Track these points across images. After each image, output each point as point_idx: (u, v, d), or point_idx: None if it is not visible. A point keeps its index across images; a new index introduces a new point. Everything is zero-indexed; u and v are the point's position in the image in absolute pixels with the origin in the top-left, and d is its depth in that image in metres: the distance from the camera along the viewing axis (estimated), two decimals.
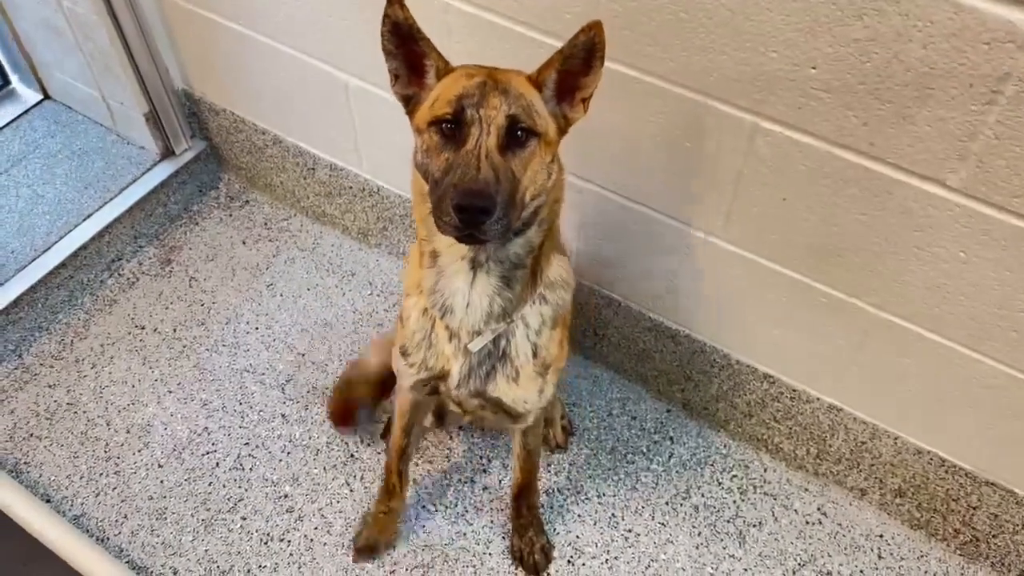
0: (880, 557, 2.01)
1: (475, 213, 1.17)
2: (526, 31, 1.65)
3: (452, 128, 1.25)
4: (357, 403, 2.12)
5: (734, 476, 2.14)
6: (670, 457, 2.17)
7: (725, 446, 2.18)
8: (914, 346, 1.67)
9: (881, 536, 2.04)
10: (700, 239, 1.79)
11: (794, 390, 1.95)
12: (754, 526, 2.06)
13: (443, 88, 1.29)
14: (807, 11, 1.33)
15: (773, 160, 1.55)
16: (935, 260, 1.52)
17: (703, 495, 2.11)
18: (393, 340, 1.95)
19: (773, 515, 2.07)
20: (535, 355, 1.50)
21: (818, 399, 1.93)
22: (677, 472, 2.14)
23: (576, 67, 1.28)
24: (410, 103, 1.36)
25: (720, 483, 2.12)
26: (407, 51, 1.32)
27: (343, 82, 2.07)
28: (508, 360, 1.50)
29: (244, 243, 2.59)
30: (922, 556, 2.01)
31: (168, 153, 2.58)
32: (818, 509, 2.08)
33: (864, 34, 1.31)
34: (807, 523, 2.06)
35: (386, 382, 2.03)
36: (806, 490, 2.11)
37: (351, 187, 2.39)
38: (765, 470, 2.14)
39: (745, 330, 1.92)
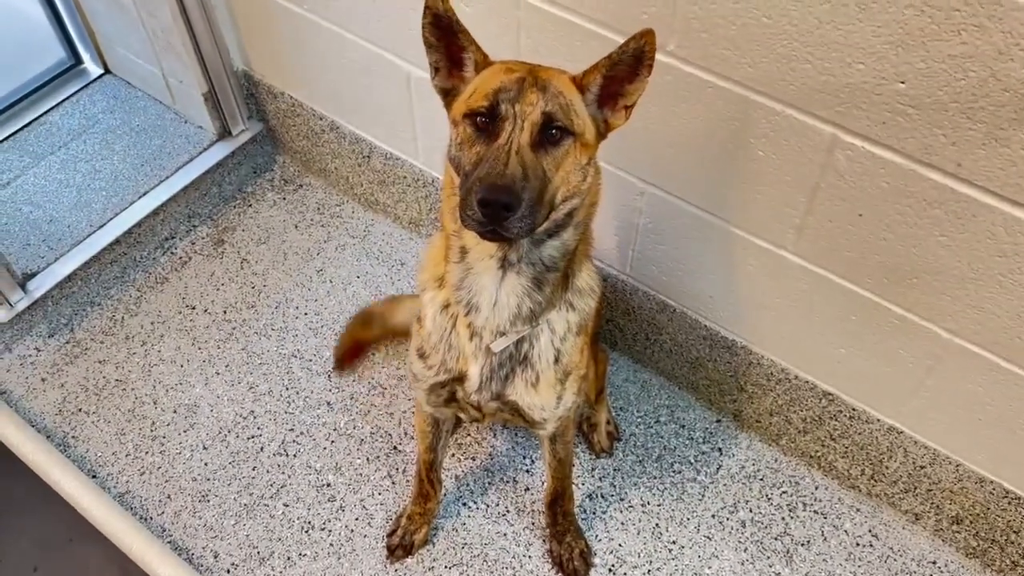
0: None
1: (498, 208, 1.15)
2: (598, 28, 1.60)
3: (486, 122, 1.23)
4: (367, 344, 2.22)
5: (784, 492, 2.08)
6: (718, 469, 2.12)
7: (776, 461, 2.13)
8: (988, 375, 1.60)
9: (934, 563, 1.98)
10: (767, 251, 1.73)
11: (854, 409, 1.89)
12: (802, 545, 2.00)
13: (481, 81, 1.27)
14: (900, 24, 1.26)
15: (852, 175, 1.49)
16: (1018, 288, 1.45)
17: (751, 510, 2.06)
18: (406, 299, 2.01)
19: (822, 534, 2.02)
20: (557, 361, 1.47)
21: (878, 420, 1.86)
22: (725, 485, 2.10)
23: (623, 73, 1.25)
24: (448, 95, 1.34)
25: (769, 499, 2.07)
26: (448, 44, 1.30)
27: (405, 72, 2.04)
28: (529, 364, 1.47)
29: (296, 227, 2.58)
30: None
31: (225, 134, 2.58)
32: (869, 531, 2.02)
33: (961, 50, 1.24)
34: (857, 544, 2.00)
35: (395, 330, 2.18)
36: (858, 511, 2.05)
37: (405, 177, 2.37)
38: (816, 488, 2.09)
39: (807, 346, 1.87)
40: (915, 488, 1.93)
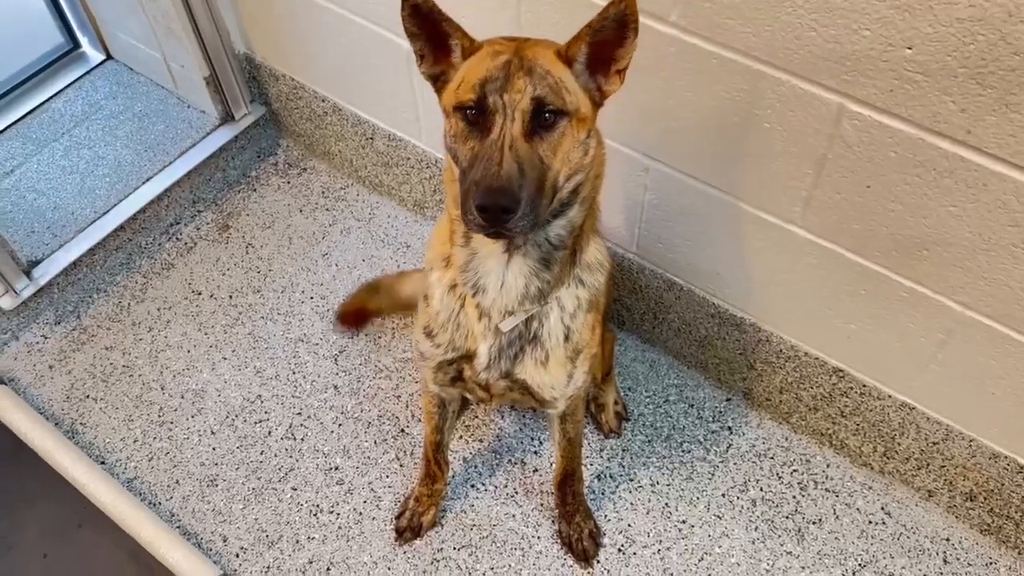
0: (946, 562, 1.93)
1: (498, 212, 1.13)
2: (600, 1, 1.57)
3: (477, 115, 1.20)
4: (371, 312, 2.24)
5: (795, 471, 2.06)
6: (728, 448, 2.10)
7: (787, 439, 2.11)
8: (1001, 348, 1.57)
9: (948, 540, 1.95)
10: (775, 225, 1.70)
11: (864, 385, 1.86)
12: (814, 523, 1.99)
13: (468, 69, 1.23)
14: None
15: (860, 145, 1.46)
16: None
17: (761, 489, 2.04)
18: (415, 274, 2.01)
19: (834, 512, 2.00)
20: (567, 339, 1.45)
21: (890, 396, 1.84)
22: (735, 464, 2.08)
23: (610, 38, 1.20)
24: (438, 81, 1.30)
25: (780, 477, 2.05)
26: (431, 30, 1.26)
27: (405, 51, 2.01)
28: (539, 343, 1.45)
29: (301, 211, 2.56)
30: (991, 563, 1.92)
31: (228, 118, 2.56)
32: (882, 508, 2.00)
33: (969, 13, 1.21)
34: (870, 522, 1.98)
35: (401, 303, 2.20)
36: (870, 488, 2.03)
37: (409, 158, 2.35)
38: (828, 466, 2.06)
39: (817, 322, 1.84)
40: (928, 465, 1.91)
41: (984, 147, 1.33)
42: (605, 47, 1.21)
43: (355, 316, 2.26)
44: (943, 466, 1.88)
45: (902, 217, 1.51)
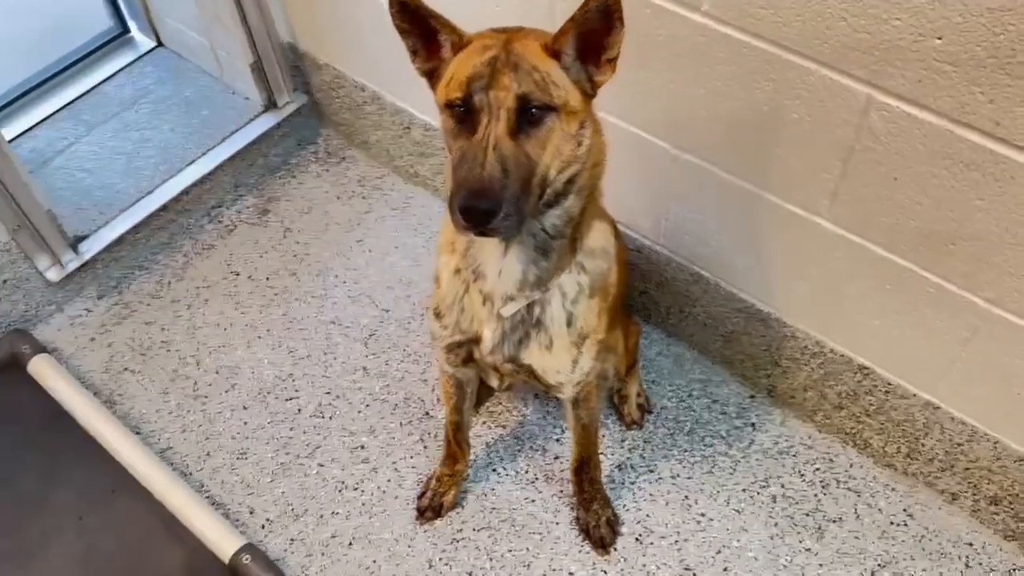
0: (968, 566, 1.91)
1: (479, 214, 1.14)
2: None
3: (464, 113, 1.20)
4: None
5: (817, 469, 2.06)
6: (750, 444, 2.10)
7: (810, 437, 2.10)
8: None
9: (971, 544, 1.94)
10: (802, 218, 1.71)
11: (889, 384, 1.86)
12: (834, 522, 1.98)
13: (457, 65, 1.24)
14: None
15: (887, 137, 1.47)
16: None
17: (782, 485, 2.04)
18: None
19: (855, 512, 1.99)
20: (570, 324, 1.46)
21: (915, 395, 1.83)
22: (757, 460, 2.08)
23: (597, 28, 1.19)
24: (432, 77, 1.31)
25: (802, 475, 2.05)
26: (421, 27, 1.27)
27: None
28: (542, 328, 1.46)
29: (338, 199, 2.62)
30: (1014, 569, 1.90)
31: (271, 105, 2.63)
32: (904, 510, 1.98)
33: (1000, 3, 1.21)
34: (891, 523, 1.97)
35: None
36: (893, 489, 2.01)
37: (443, 148, 2.38)
38: (851, 465, 2.06)
39: (842, 318, 1.84)
40: (952, 467, 1.89)
41: (1012, 139, 1.33)
42: (594, 37, 1.20)
43: None
44: (967, 468, 1.86)
45: (929, 211, 1.51)
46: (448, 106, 1.23)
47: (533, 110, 1.19)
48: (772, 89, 1.55)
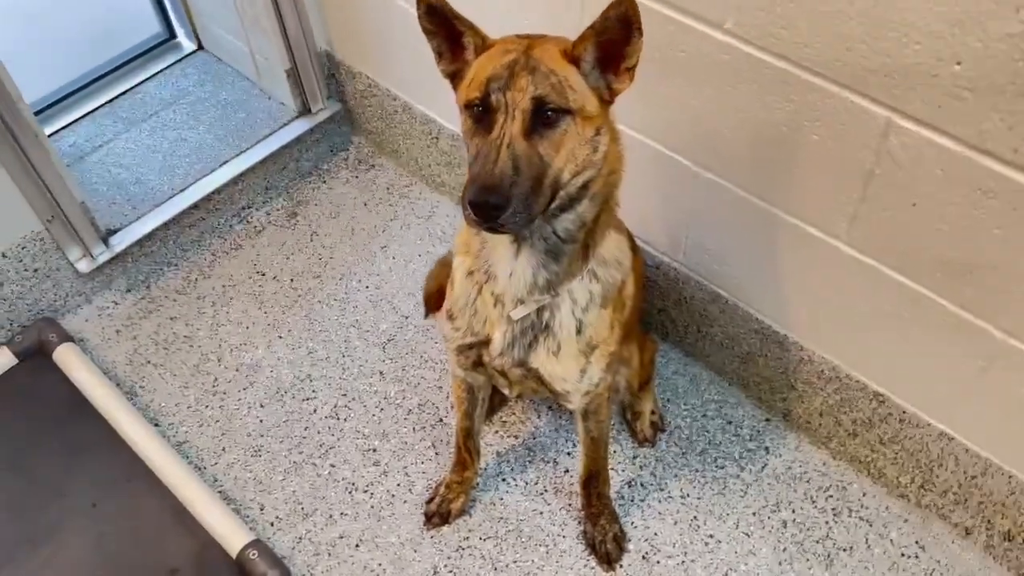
0: None
1: (488, 209, 1.17)
2: (657, 6, 1.61)
3: (482, 112, 1.24)
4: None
5: (829, 496, 2.03)
6: (763, 468, 2.09)
7: (824, 464, 2.08)
8: None
9: None
10: (820, 240, 1.71)
11: (904, 412, 1.84)
12: (844, 550, 1.95)
13: (478, 67, 1.27)
14: (958, 2, 1.24)
15: (907, 161, 1.46)
16: None
17: (793, 511, 2.02)
18: None
19: (866, 542, 1.96)
20: (579, 332, 1.47)
21: (929, 424, 1.81)
22: (769, 484, 2.06)
23: (616, 37, 1.22)
24: (455, 79, 1.35)
25: (814, 501, 2.03)
26: (447, 29, 1.31)
27: None
28: (551, 333, 1.47)
29: (365, 205, 2.66)
30: None
31: (305, 111, 2.68)
32: (916, 542, 1.95)
33: (1019, 29, 1.21)
34: (902, 555, 1.94)
35: None
36: (905, 521, 1.98)
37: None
38: (864, 494, 2.03)
39: (858, 343, 1.83)
40: (966, 500, 1.86)
41: None
42: (613, 46, 1.23)
43: (441, 297, 2.29)
44: (981, 502, 1.83)
45: (947, 237, 1.50)
46: (467, 106, 1.27)
47: (548, 112, 1.22)
48: (792, 109, 1.55)
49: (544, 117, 1.22)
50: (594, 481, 1.89)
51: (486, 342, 1.52)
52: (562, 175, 1.25)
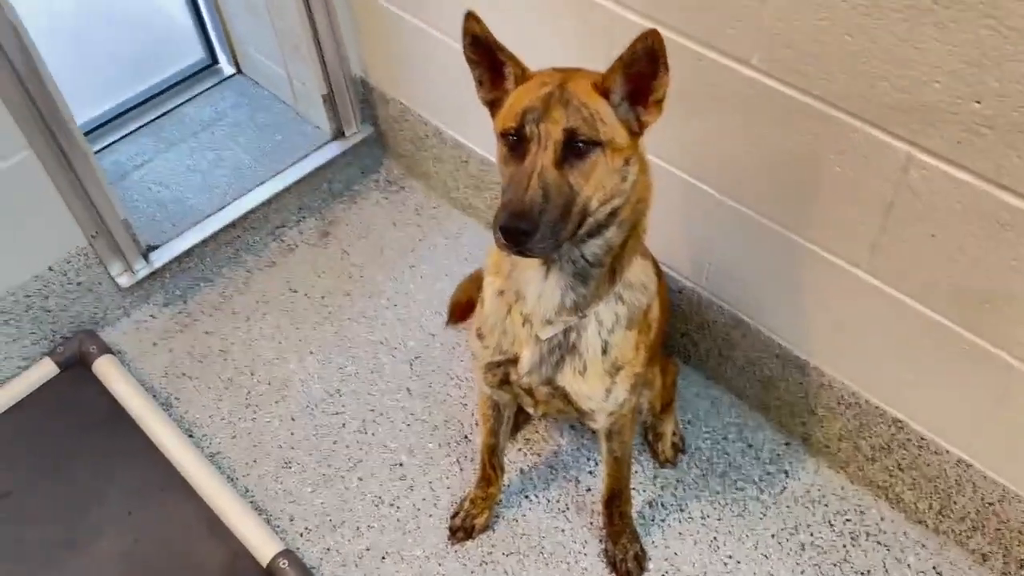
0: None
1: (517, 234, 1.23)
2: (687, 42, 1.67)
3: (516, 141, 1.30)
4: (475, 304, 2.30)
5: (847, 520, 2.07)
6: (782, 491, 2.12)
7: (843, 488, 2.12)
8: None
9: None
10: (841, 268, 1.75)
11: (922, 438, 1.87)
12: (862, 574, 1.98)
13: (515, 97, 1.34)
14: (977, 43, 1.29)
15: (926, 194, 1.51)
16: None
17: (812, 534, 2.05)
18: None
19: (884, 566, 1.99)
20: (605, 352, 1.52)
21: (947, 451, 1.84)
22: (788, 507, 2.10)
23: (644, 71, 1.28)
24: (493, 107, 1.41)
25: (832, 525, 2.06)
26: (490, 59, 1.38)
27: None
28: (577, 353, 1.52)
29: (395, 225, 2.73)
30: None
31: (339, 135, 2.75)
32: (933, 568, 1.98)
33: None
34: None
35: None
36: (923, 546, 2.01)
37: (498, 182, 2.45)
38: (882, 519, 2.06)
39: (878, 369, 1.87)
40: (983, 526, 1.89)
41: None
42: (641, 79, 1.29)
43: (464, 309, 2.37)
44: (998, 529, 1.86)
45: (965, 268, 1.54)
46: (503, 135, 1.33)
47: (579, 144, 1.28)
48: (815, 142, 1.60)
49: (575, 148, 1.28)
50: (616, 500, 1.93)
51: (514, 361, 1.57)
52: (590, 203, 1.31)
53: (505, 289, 1.53)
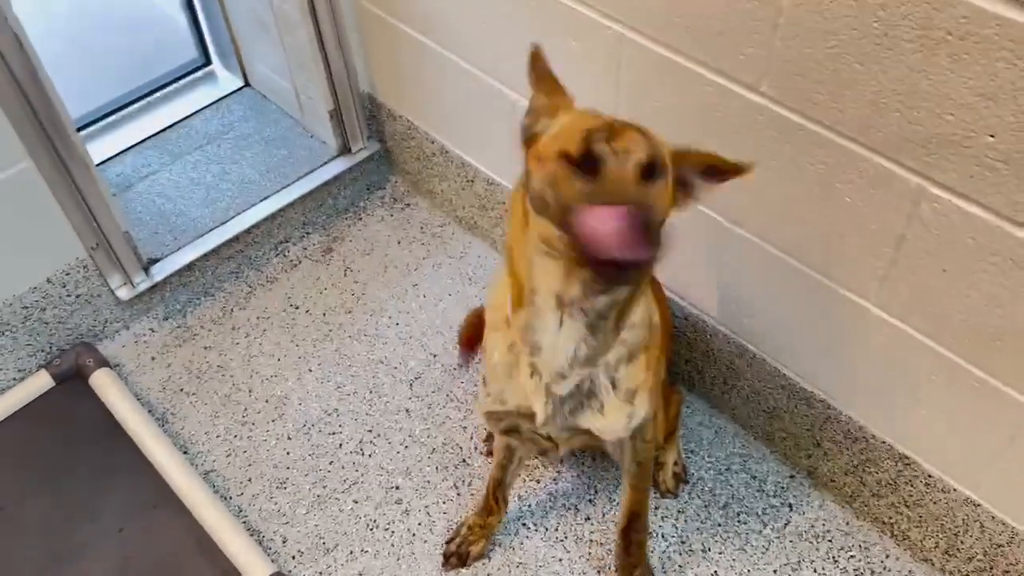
0: None
1: (645, 235, 1.06)
2: (695, 67, 1.65)
3: (582, 160, 1.16)
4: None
5: (852, 556, 2.02)
6: (786, 525, 2.08)
7: (848, 524, 2.07)
8: None
9: None
10: (849, 300, 1.72)
11: (930, 476, 1.83)
12: None
13: (569, 120, 1.26)
14: (991, 76, 1.26)
15: (938, 228, 1.47)
16: None
17: (815, 570, 2.00)
18: None
19: None
20: (615, 386, 1.47)
21: (955, 490, 1.79)
22: (791, 541, 2.05)
23: (704, 171, 1.30)
24: (528, 132, 1.34)
25: (836, 561, 2.01)
26: (548, 85, 1.34)
27: (512, 101, 2.13)
28: (593, 396, 1.48)
29: (399, 243, 2.70)
30: None
31: (345, 150, 2.74)
32: None
33: None
34: None
35: None
36: None
37: (503, 202, 2.46)
38: (887, 556, 2.01)
39: (885, 404, 1.82)
40: (991, 568, 1.84)
41: None
42: (694, 172, 1.30)
43: (476, 339, 2.31)
44: (1007, 571, 1.81)
45: (976, 304, 1.50)
46: (563, 155, 1.18)
47: (655, 165, 1.18)
48: (826, 172, 1.57)
49: (650, 169, 1.17)
50: (636, 524, 1.85)
51: (522, 415, 1.52)
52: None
53: (518, 341, 1.43)
